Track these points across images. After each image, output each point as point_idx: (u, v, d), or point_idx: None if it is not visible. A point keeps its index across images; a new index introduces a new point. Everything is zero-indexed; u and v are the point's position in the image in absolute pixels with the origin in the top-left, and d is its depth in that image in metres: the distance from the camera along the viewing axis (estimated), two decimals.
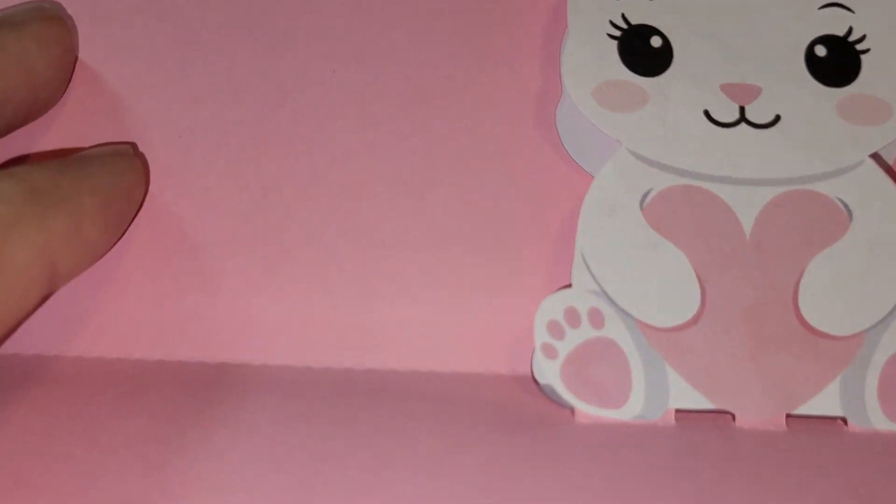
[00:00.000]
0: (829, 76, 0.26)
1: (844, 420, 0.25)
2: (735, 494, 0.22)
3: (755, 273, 0.25)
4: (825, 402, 0.25)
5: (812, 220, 0.25)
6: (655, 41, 0.27)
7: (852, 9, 0.26)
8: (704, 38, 0.26)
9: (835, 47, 0.26)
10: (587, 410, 0.25)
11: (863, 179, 0.25)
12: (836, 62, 0.26)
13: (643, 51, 0.27)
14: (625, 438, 0.24)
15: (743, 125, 0.26)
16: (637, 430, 0.25)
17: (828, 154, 0.26)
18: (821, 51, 0.26)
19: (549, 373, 0.25)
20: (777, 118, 0.26)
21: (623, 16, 0.27)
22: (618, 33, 0.27)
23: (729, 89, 0.26)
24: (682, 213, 0.26)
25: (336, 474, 0.22)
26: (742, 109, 0.26)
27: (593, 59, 0.27)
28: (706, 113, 0.26)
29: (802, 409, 0.25)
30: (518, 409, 0.25)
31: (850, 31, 0.26)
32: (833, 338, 0.25)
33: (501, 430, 0.24)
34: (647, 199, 0.26)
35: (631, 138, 0.26)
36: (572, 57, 0.27)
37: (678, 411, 0.25)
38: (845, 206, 0.25)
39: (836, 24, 0.26)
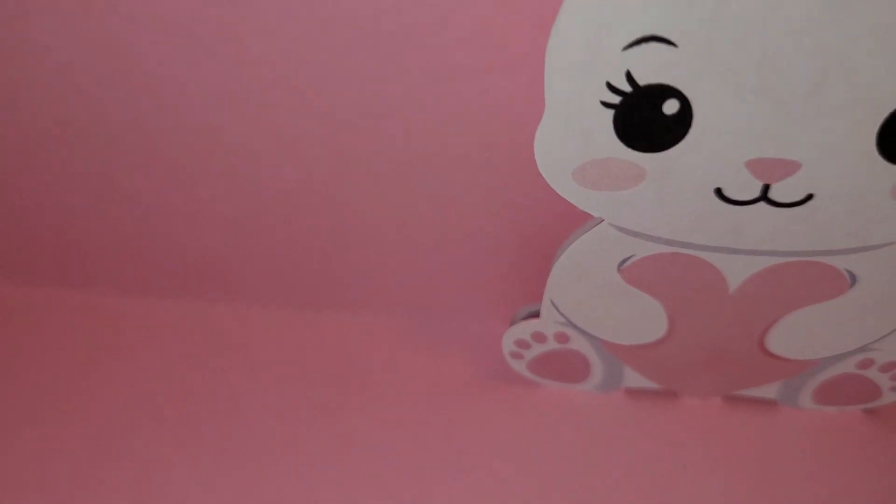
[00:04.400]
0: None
1: (776, 403, 0.27)
2: (673, 458, 0.27)
3: (729, 317, 0.24)
4: (763, 391, 0.27)
5: (809, 283, 0.22)
6: (670, 106, 0.18)
7: None
8: (740, 101, 0.18)
9: None
10: (550, 386, 0.28)
11: (883, 257, 0.21)
12: None
13: (650, 120, 0.19)
14: (580, 406, 0.28)
15: (761, 204, 0.20)
16: (590, 397, 0.28)
17: (859, 233, 0.21)
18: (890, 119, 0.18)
19: (517, 368, 0.28)
20: (808, 197, 0.20)
21: (629, 75, 0.18)
22: (617, 100, 0.18)
23: (756, 165, 0.19)
24: (663, 272, 0.23)
25: None
26: (766, 187, 0.20)
27: (576, 134, 0.19)
28: (718, 191, 0.20)
29: (740, 394, 0.27)
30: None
31: None
32: (788, 360, 0.25)
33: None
34: (628, 263, 0.22)
35: (616, 216, 0.21)
36: (549, 134, 0.19)
37: (628, 389, 0.28)
38: (851, 275, 0.22)
39: None
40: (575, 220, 0.23)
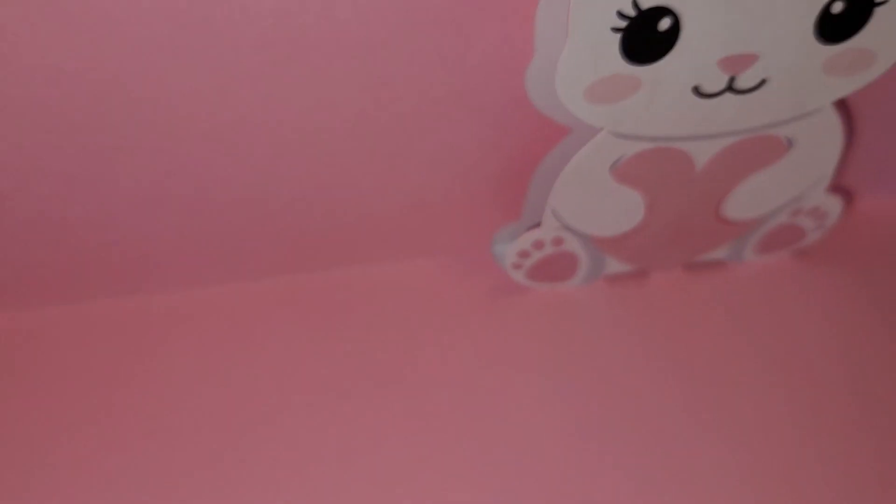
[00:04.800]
0: (835, 33, 0.23)
1: (725, 261, 0.33)
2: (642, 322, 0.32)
3: (695, 192, 0.28)
4: (715, 254, 0.32)
5: (758, 153, 0.27)
6: (664, 23, 0.22)
7: None
8: (716, 12, 0.22)
9: (854, 1, 0.23)
10: (541, 288, 0.32)
11: (816, 120, 0.26)
12: (847, 17, 0.23)
13: (648, 36, 0.22)
14: (570, 299, 0.32)
15: (727, 93, 0.24)
16: (577, 290, 0.32)
17: (797, 104, 0.25)
18: (838, 7, 0.23)
19: (517, 277, 0.31)
20: (762, 82, 0.24)
21: (634, 2, 0.21)
22: (623, 24, 0.21)
23: (725, 62, 0.23)
24: (645, 166, 0.27)
25: None
26: (732, 79, 0.24)
27: (590, 59, 0.22)
28: (695, 88, 0.24)
29: (698, 260, 0.33)
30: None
31: None
32: (739, 223, 0.30)
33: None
34: (619, 163, 0.26)
35: (614, 124, 0.25)
36: (569, 61, 0.22)
37: (606, 276, 0.32)
38: (789, 140, 0.27)
39: None
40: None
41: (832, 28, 0.24)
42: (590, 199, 0.28)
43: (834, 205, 0.30)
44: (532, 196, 0.30)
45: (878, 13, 0.24)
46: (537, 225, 0.29)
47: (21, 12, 0.22)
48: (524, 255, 0.30)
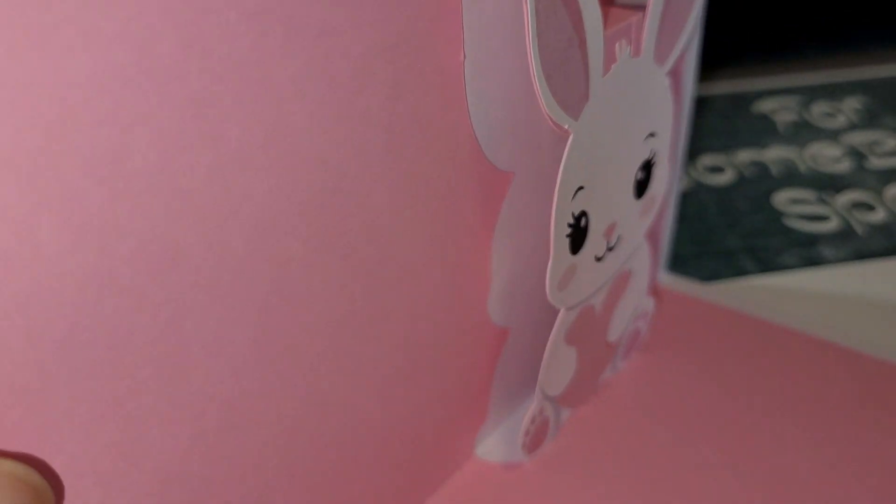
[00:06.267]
0: (640, 191, 0.36)
1: None
2: None
3: (596, 330, 0.38)
4: (605, 375, 0.42)
5: (619, 287, 0.38)
6: (583, 221, 0.32)
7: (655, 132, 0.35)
8: (601, 202, 0.33)
9: (647, 167, 0.35)
10: (533, 458, 0.38)
11: (640, 251, 0.38)
12: (645, 179, 0.36)
13: (577, 234, 0.32)
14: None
15: (607, 253, 0.35)
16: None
17: (631, 244, 0.37)
18: (640, 175, 0.35)
19: (520, 456, 0.36)
20: (619, 238, 0.36)
21: (573, 213, 0.31)
22: (570, 230, 0.31)
23: (606, 232, 0.34)
24: (577, 323, 0.36)
25: None
26: (608, 242, 0.35)
27: (558, 262, 0.31)
28: (595, 257, 0.34)
29: None
30: None
31: (652, 152, 0.35)
32: (614, 343, 0.41)
33: None
34: (567, 329, 0.34)
35: (568, 302, 0.33)
36: (551, 270, 0.31)
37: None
38: (630, 270, 0.39)
39: (648, 149, 0.35)
40: None
41: (639, 188, 0.36)
42: (556, 366, 0.35)
43: (650, 303, 0.43)
44: (497, 390, 0.36)
45: (655, 173, 0.37)
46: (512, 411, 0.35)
47: None
48: (526, 433, 0.36)
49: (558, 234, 0.31)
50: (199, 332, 0.22)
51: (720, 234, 0.53)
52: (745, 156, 0.61)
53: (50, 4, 0.17)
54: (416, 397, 0.32)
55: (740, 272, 0.50)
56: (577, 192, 0.31)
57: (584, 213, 0.32)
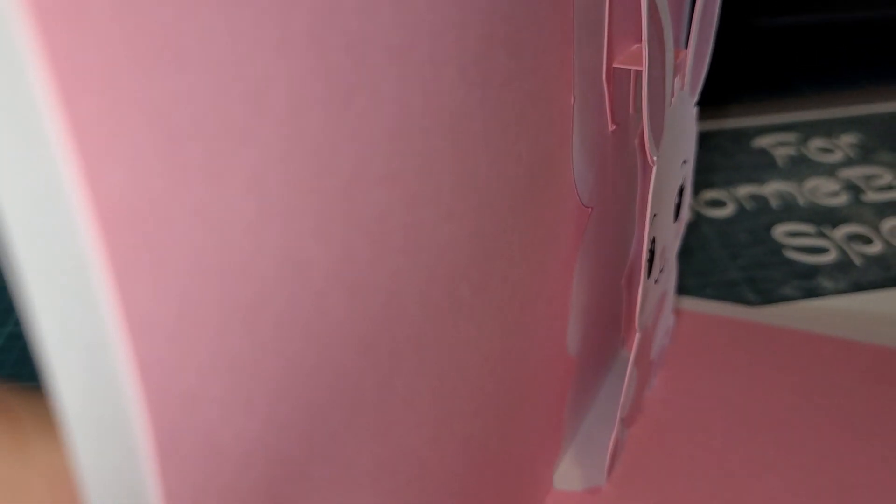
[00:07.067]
0: (675, 214, 0.38)
1: None
2: None
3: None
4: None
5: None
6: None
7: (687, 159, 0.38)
8: (661, 232, 0.35)
9: (680, 192, 0.38)
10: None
11: (671, 267, 0.41)
12: (679, 203, 0.38)
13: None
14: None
15: (660, 275, 0.37)
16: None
17: (670, 262, 0.39)
18: (676, 199, 0.38)
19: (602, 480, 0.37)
20: (665, 261, 0.38)
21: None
22: None
23: (660, 255, 0.36)
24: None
25: None
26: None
27: None
28: (654, 280, 0.36)
29: None
30: None
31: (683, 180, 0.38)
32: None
33: None
34: None
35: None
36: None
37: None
38: (665, 293, 0.41)
39: (682, 175, 0.38)
40: None
41: (676, 212, 0.39)
42: (630, 387, 0.37)
43: (672, 319, 0.45)
44: (569, 420, 0.37)
45: (684, 197, 0.39)
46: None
47: None
48: (611, 458, 0.37)
49: (645, 259, 0.32)
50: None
51: (722, 266, 0.55)
52: (745, 190, 0.64)
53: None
54: (504, 432, 0.33)
55: (742, 303, 0.51)
56: (653, 218, 0.33)
57: (653, 239, 0.34)
